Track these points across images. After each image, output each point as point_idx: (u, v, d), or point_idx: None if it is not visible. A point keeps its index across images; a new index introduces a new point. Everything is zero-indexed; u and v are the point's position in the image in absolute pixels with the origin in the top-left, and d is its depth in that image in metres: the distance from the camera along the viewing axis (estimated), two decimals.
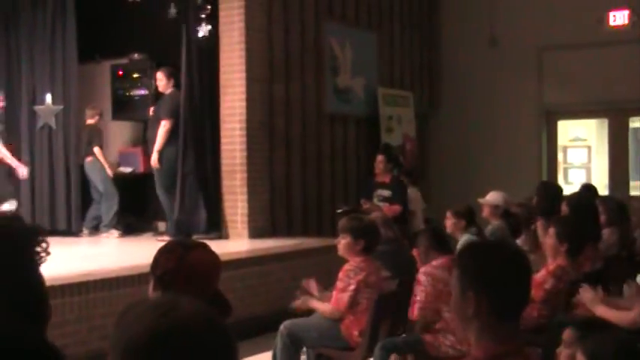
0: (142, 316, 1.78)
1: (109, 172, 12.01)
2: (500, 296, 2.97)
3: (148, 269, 3.66)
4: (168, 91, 11.11)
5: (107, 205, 11.95)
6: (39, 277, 2.48)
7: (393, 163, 11.91)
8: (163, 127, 10.93)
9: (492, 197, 9.53)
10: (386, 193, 11.36)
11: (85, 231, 12.10)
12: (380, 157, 11.74)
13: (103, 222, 12.03)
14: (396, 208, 11.14)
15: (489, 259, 3.08)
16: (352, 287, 6.54)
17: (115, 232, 11.93)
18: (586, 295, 5.71)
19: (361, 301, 6.58)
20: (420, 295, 6.32)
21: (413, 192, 12.46)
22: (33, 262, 2.45)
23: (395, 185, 11.58)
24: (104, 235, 11.99)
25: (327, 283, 7.00)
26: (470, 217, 8.82)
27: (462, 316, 3.00)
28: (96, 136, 12.19)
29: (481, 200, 9.57)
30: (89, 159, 12.09)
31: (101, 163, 12.03)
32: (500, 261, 3.06)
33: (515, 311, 3.04)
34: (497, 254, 3.14)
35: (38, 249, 2.46)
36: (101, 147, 12.10)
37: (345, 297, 6.55)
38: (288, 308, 7.03)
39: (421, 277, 6.40)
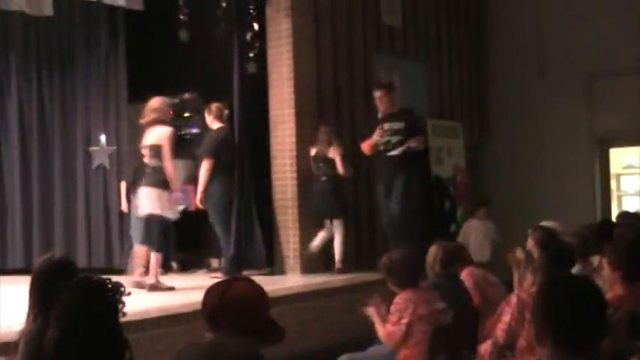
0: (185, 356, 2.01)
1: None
2: (566, 327, 3.00)
3: (199, 307, 3.64)
4: (215, 127, 11.07)
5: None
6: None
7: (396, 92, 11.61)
8: (204, 166, 10.87)
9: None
10: (397, 125, 11.13)
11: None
12: (379, 93, 11.41)
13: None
14: (422, 139, 11.34)
15: (560, 291, 3.10)
16: (404, 320, 6.45)
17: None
18: None
19: (414, 334, 6.46)
20: (506, 316, 6.28)
21: (487, 224, 12.37)
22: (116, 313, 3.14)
23: (406, 114, 11.42)
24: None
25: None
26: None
27: (534, 344, 3.10)
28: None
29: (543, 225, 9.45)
30: None
31: None
32: (569, 293, 3.08)
33: (585, 343, 3.03)
34: (568, 287, 3.15)
35: (120, 304, 3.16)
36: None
37: (397, 330, 6.47)
38: (359, 309, 6.88)
39: (513, 298, 6.41)
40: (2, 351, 6.54)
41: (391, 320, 6.52)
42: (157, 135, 10.15)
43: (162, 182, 9.97)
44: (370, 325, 6.77)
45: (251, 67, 11.96)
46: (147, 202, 10.08)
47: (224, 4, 11.93)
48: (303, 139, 11.46)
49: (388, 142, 11.08)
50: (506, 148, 15.80)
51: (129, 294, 3.30)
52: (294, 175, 11.42)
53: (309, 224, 11.48)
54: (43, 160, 12.98)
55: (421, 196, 11.87)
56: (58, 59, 12.95)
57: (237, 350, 1.98)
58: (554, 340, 3.00)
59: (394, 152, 11.04)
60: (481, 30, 16.38)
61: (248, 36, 11.98)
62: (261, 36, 11.93)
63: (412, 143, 11.07)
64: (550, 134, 15.38)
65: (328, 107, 12.15)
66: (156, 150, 10.10)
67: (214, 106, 11.17)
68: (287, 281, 10.66)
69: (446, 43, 15.17)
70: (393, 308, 6.55)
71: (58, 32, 12.48)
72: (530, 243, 8.82)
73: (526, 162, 15.47)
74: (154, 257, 9.97)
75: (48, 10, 11.39)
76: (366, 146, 11.24)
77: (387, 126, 11.05)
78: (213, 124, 11.10)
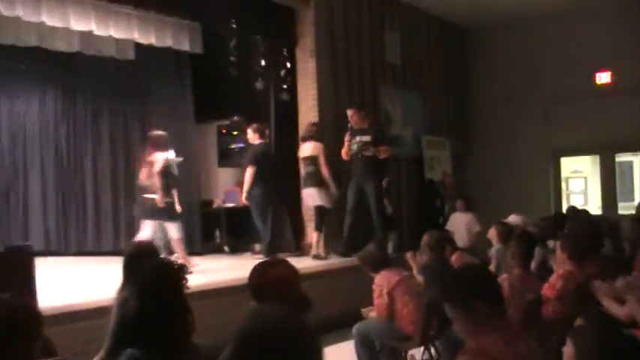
0: (243, 319, 2.04)
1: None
2: None
3: (246, 282, 3.62)
4: (256, 142, 11.06)
5: None
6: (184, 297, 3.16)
7: (365, 112, 11.07)
8: (247, 172, 10.84)
9: (513, 219, 9.40)
10: (366, 138, 10.70)
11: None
12: (350, 112, 10.87)
13: None
14: (386, 149, 10.81)
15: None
16: (385, 291, 6.53)
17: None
18: (598, 286, 5.58)
19: (396, 301, 6.52)
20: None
21: (467, 216, 12.32)
22: (182, 287, 3.18)
23: (374, 129, 10.95)
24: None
25: None
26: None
27: None
28: None
29: (503, 220, 9.43)
30: None
31: None
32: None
33: None
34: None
35: (184, 280, 3.20)
36: None
37: (382, 302, 6.55)
38: (362, 313, 6.99)
39: None
40: (100, 313, 6.58)
41: (375, 297, 6.60)
42: (312, 148, 10.94)
43: (320, 182, 10.88)
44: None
45: (284, 97, 11.97)
46: (315, 198, 10.98)
47: (263, 48, 11.95)
48: (326, 151, 11.44)
49: (358, 152, 10.74)
50: (483, 157, 15.83)
51: (192, 272, 3.32)
52: None
53: (330, 217, 11.45)
54: (128, 168, 13.06)
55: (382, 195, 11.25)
56: (139, 91, 13.01)
57: (281, 313, 2.00)
58: None
59: (366, 153, 10.69)
60: (462, 66, 16.38)
61: (282, 72, 11.98)
62: (292, 72, 11.94)
63: (377, 152, 10.69)
64: (516, 147, 15.47)
65: (344, 126, 12.13)
66: (312, 160, 10.90)
67: (256, 126, 11.17)
68: (312, 262, 10.62)
69: (435, 76, 15.17)
70: (374, 287, 6.63)
71: (139, 71, 12.52)
72: (492, 233, 8.82)
73: (498, 168, 15.49)
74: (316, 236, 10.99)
75: (131, 54, 11.51)
76: (343, 153, 10.85)
77: (357, 138, 10.70)
78: (255, 140, 11.09)
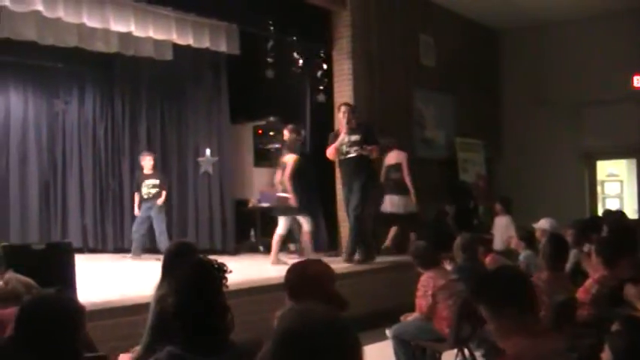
0: (285, 318, 1.99)
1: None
2: None
3: (281, 281, 3.63)
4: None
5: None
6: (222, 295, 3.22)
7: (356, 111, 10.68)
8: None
9: (542, 224, 9.36)
10: (355, 137, 10.23)
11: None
12: (346, 108, 10.37)
13: None
14: (374, 149, 10.26)
15: None
16: (429, 293, 6.48)
17: None
18: (630, 291, 5.53)
19: (439, 303, 6.47)
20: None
21: (504, 219, 12.23)
22: (220, 285, 3.24)
23: (363, 128, 10.39)
24: None
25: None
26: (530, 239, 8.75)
27: None
28: None
29: (534, 225, 9.38)
30: None
31: None
32: None
33: None
34: None
35: (223, 279, 3.26)
36: None
37: (424, 301, 6.51)
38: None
39: None
40: (137, 309, 6.66)
41: (418, 295, 6.56)
42: (398, 156, 11.51)
43: (403, 190, 11.41)
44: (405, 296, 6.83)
45: (320, 98, 12.00)
46: (399, 205, 11.52)
47: (299, 50, 11.99)
48: None
49: (347, 152, 10.28)
50: (515, 159, 15.70)
51: (231, 272, 3.35)
52: None
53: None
54: (164, 167, 13.18)
55: (374, 194, 10.92)
56: (176, 92, 13.11)
57: (325, 313, 1.97)
58: None
59: (351, 155, 10.23)
60: (494, 68, 16.30)
61: (318, 73, 12.02)
62: (328, 73, 11.97)
63: (365, 151, 10.18)
64: (549, 149, 15.30)
65: (378, 129, 12.14)
66: (397, 167, 11.44)
67: (291, 127, 11.20)
68: (344, 263, 10.60)
69: (468, 79, 15.10)
70: (419, 285, 6.58)
71: (176, 71, 12.62)
72: (515, 241, 8.83)
73: (531, 171, 15.34)
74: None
75: (169, 55, 11.59)
76: (332, 151, 10.35)
77: (347, 138, 10.25)
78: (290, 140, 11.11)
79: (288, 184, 10.34)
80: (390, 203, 11.59)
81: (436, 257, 6.90)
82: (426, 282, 6.55)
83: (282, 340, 1.91)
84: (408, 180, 11.41)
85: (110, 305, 6.92)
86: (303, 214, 10.56)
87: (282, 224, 10.57)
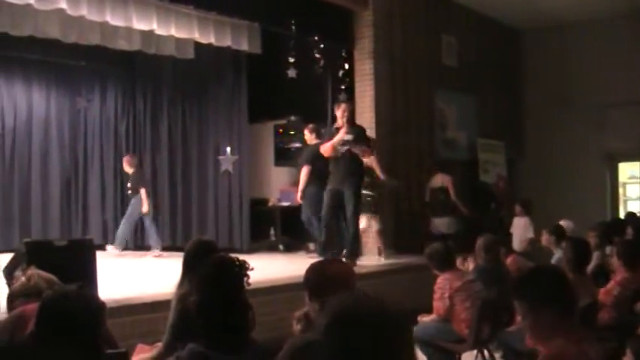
0: (331, 307, 1.95)
1: None
2: None
3: (300, 280, 3.60)
4: (313, 142, 11.07)
5: None
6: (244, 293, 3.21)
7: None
8: (303, 172, 10.86)
9: (562, 225, 9.36)
10: (348, 136, 9.69)
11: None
12: (344, 106, 9.84)
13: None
14: (365, 150, 9.84)
15: None
16: (446, 295, 6.48)
17: None
18: None
19: (457, 305, 6.46)
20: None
21: (523, 220, 12.18)
22: (242, 284, 3.23)
23: (356, 127, 9.90)
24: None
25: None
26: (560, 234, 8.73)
27: None
28: None
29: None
30: None
31: None
32: None
33: None
34: None
35: (245, 277, 3.25)
36: None
37: (442, 304, 6.50)
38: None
39: None
40: (154, 308, 6.68)
41: (435, 298, 6.54)
42: (442, 179, 12.07)
43: (449, 211, 11.95)
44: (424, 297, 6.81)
45: (341, 97, 11.95)
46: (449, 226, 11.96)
47: (322, 46, 11.96)
48: (381, 153, 11.45)
49: (339, 150, 9.67)
50: (537, 161, 15.63)
51: (252, 269, 3.34)
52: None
53: (385, 218, 11.45)
54: (185, 166, 13.23)
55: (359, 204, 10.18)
56: (197, 90, 13.15)
57: (371, 300, 1.96)
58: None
59: (341, 150, 9.63)
60: (516, 68, 16.22)
61: (340, 73, 12.01)
62: (350, 73, 11.95)
63: (356, 149, 9.69)
64: (572, 151, 15.17)
65: (400, 128, 12.14)
66: (442, 190, 12.02)
67: (312, 126, 11.20)
68: (368, 261, 10.59)
69: (490, 79, 15.04)
70: (435, 288, 6.57)
71: (197, 70, 12.67)
72: (546, 239, 8.78)
73: (553, 172, 15.25)
74: None
75: (190, 53, 11.62)
76: (329, 148, 9.71)
77: (346, 137, 9.65)
78: (311, 140, 11.12)
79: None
80: (441, 224, 11.92)
81: (452, 259, 6.87)
82: (443, 284, 6.54)
83: (330, 328, 1.88)
84: (457, 201, 11.90)
85: (130, 302, 6.94)
86: (373, 213, 10.96)
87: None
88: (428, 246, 6.96)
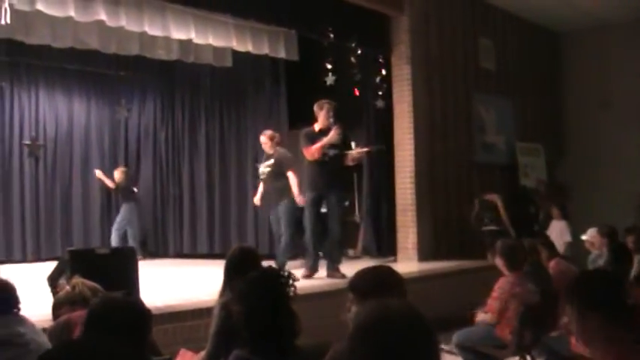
0: (361, 312, 2.00)
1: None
2: None
3: (343, 285, 3.62)
4: (273, 149, 10.64)
5: None
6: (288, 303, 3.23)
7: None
8: (294, 176, 10.43)
9: (592, 232, 9.33)
10: (338, 140, 9.13)
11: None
12: (328, 106, 9.28)
13: None
14: (356, 155, 9.40)
15: None
16: (503, 296, 6.38)
17: None
18: None
19: (509, 309, 6.36)
20: None
21: (561, 224, 12.09)
22: (287, 294, 3.25)
23: (343, 131, 9.21)
24: None
25: (481, 296, 6.83)
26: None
27: None
28: None
29: (583, 237, 9.38)
30: None
31: None
32: None
33: None
34: None
35: (292, 287, 3.28)
36: None
37: (496, 303, 6.40)
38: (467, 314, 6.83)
39: None
40: (196, 315, 6.73)
41: (493, 296, 6.45)
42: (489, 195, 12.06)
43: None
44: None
45: (379, 103, 11.98)
46: None
47: (358, 55, 11.97)
48: (420, 158, 11.44)
49: (325, 153, 9.12)
50: (576, 164, 15.46)
51: (298, 280, 3.36)
52: (412, 185, 11.39)
53: (424, 223, 11.44)
54: (223, 173, 13.32)
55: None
56: (235, 98, 13.25)
57: (401, 306, 1.98)
58: None
59: (329, 156, 9.12)
60: (555, 70, 16.08)
61: (377, 79, 12.01)
62: (387, 79, 11.95)
63: (352, 158, 9.33)
64: (611, 155, 14.98)
65: (438, 133, 12.10)
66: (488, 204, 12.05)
67: (271, 133, 10.85)
68: (406, 267, 10.57)
69: (528, 82, 14.92)
70: (495, 287, 6.46)
71: (235, 78, 12.76)
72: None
73: (593, 174, 15.08)
74: None
75: (228, 62, 11.72)
76: (316, 150, 9.11)
77: (324, 139, 9.11)
78: (271, 147, 10.70)
79: None
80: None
81: (523, 261, 6.74)
82: (504, 285, 6.43)
83: (359, 334, 1.90)
84: (505, 218, 11.79)
85: (172, 309, 7.00)
86: None
87: None
88: (500, 242, 6.82)
